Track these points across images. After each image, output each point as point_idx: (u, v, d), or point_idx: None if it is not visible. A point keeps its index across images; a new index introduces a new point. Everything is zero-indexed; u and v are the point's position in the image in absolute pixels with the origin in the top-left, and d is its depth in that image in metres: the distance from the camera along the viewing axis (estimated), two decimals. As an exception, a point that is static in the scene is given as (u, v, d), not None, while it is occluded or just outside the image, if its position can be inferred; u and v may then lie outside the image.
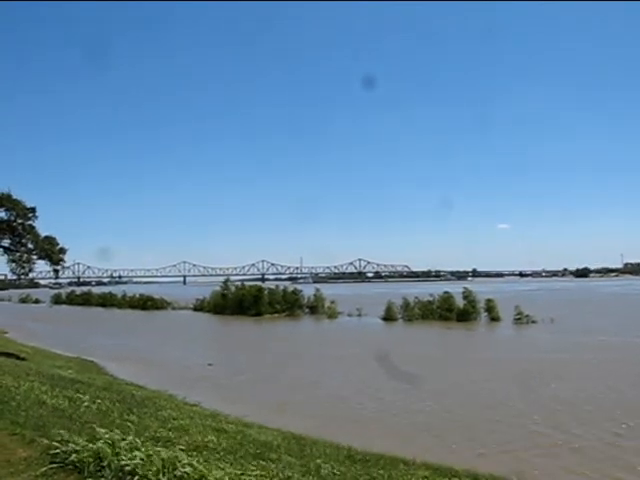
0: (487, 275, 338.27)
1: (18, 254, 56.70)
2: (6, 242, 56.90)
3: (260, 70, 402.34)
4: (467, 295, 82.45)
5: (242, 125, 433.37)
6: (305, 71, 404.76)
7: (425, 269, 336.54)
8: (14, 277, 62.88)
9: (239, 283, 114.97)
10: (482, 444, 21.52)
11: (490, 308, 79.42)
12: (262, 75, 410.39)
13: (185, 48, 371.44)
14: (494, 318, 77.69)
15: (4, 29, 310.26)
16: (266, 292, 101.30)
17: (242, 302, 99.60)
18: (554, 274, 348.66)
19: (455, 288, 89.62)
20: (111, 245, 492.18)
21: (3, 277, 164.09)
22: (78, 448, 7.02)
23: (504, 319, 75.47)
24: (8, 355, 35.18)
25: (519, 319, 73.49)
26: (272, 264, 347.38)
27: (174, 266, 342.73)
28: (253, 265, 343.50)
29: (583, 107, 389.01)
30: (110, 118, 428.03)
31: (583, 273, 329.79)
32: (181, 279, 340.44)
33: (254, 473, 7.34)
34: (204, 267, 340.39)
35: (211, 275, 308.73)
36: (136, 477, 6.24)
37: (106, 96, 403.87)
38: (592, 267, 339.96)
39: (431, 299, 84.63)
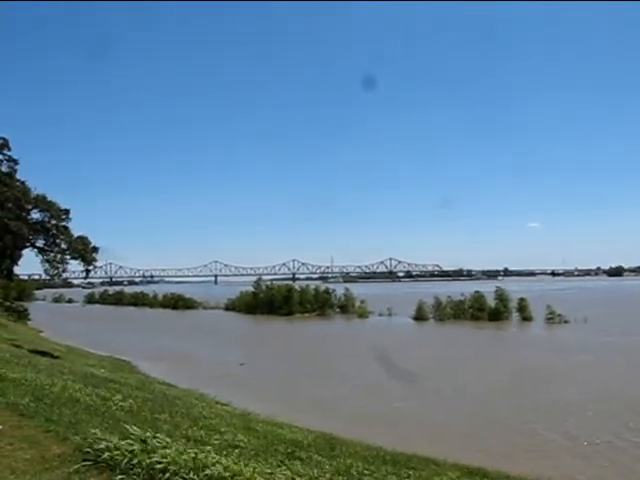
0: (518, 274, 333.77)
1: (52, 254, 57.57)
2: (40, 242, 57.80)
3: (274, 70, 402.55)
4: (500, 294, 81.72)
5: (269, 124, 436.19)
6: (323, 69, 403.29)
7: (456, 268, 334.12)
8: (49, 277, 63.96)
9: (270, 282, 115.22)
10: (515, 446, 21.35)
11: (522, 307, 78.69)
12: (282, 74, 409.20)
13: (200, 49, 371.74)
14: (526, 318, 76.99)
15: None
16: (297, 292, 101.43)
17: (273, 302, 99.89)
18: (587, 273, 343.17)
19: (486, 287, 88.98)
20: (142, 245, 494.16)
21: (38, 277, 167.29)
22: (110, 446, 7.08)
23: (536, 319, 74.68)
24: (43, 353, 35.64)
25: (551, 319, 72.73)
26: (303, 263, 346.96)
27: (205, 266, 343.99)
28: (284, 264, 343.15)
29: (614, 105, 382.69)
30: (142, 116, 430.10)
31: (617, 272, 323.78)
32: (212, 279, 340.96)
33: (284, 472, 7.34)
34: (235, 267, 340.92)
35: (242, 275, 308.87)
36: (167, 475, 6.28)
37: (134, 94, 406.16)
38: (626, 266, 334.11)
39: (462, 298, 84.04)
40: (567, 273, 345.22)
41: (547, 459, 20.06)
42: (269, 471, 7.07)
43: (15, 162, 57.83)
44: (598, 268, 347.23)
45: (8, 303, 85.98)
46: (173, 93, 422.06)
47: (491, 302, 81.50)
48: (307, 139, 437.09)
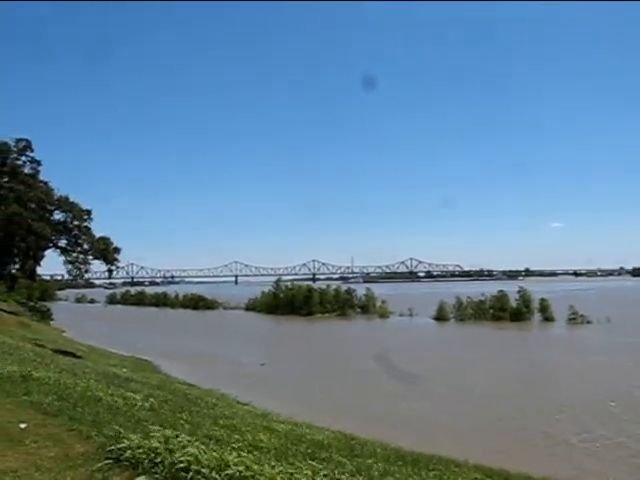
0: (540, 274, 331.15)
1: (74, 254, 58.19)
2: (63, 243, 58.53)
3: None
4: (522, 295, 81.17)
5: (284, 124, 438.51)
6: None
7: (477, 268, 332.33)
8: (71, 277, 64.66)
9: (290, 283, 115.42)
10: (538, 448, 21.23)
11: (544, 308, 78.07)
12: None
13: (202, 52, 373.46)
14: (548, 318, 76.37)
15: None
16: (317, 292, 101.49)
17: (293, 302, 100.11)
18: (610, 273, 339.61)
19: (506, 288, 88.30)
20: (163, 246, 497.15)
21: (60, 277, 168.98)
22: (133, 445, 7.15)
23: (558, 319, 74.08)
24: (66, 353, 35.96)
25: (573, 319, 72.10)
26: (323, 264, 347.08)
27: (226, 266, 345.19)
28: (304, 265, 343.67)
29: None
30: (159, 116, 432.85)
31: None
32: (233, 279, 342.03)
33: (305, 472, 7.36)
34: (255, 267, 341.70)
35: (262, 275, 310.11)
36: (189, 474, 6.32)
37: (147, 93, 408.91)
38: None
39: (483, 299, 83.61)
40: (590, 273, 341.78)
41: (568, 461, 19.94)
42: (290, 471, 7.10)
43: (38, 163, 58.68)
44: (621, 268, 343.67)
45: (31, 303, 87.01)
46: (184, 92, 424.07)
47: (512, 302, 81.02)
48: (323, 139, 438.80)
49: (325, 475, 7.74)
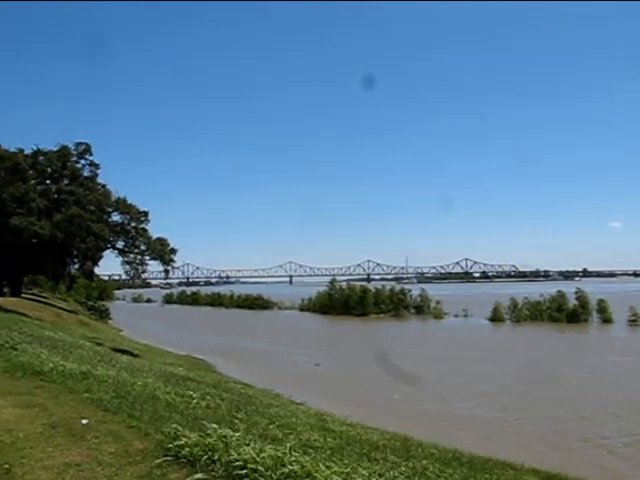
0: (598, 275, 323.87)
1: (132, 255, 59.42)
2: (120, 244, 59.82)
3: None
4: (580, 295, 79.57)
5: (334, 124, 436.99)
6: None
7: (533, 269, 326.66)
8: (128, 277, 66.03)
9: (345, 283, 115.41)
10: (598, 454, 20.80)
11: (602, 309, 76.26)
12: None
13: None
14: (606, 320, 74.56)
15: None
16: (372, 292, 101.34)
17: (348, 302, 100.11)
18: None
19: (563, 288, 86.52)
20: (218, 246, 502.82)
21: (117, 277, 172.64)
22: (190, 442, 7.25)
23: (617, 321, 72.28)
24: (123, 352, 36.64)
25: (634, 320, 70.26)
26: (378, 264, 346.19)
27: (280, 266, 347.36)
28: (359, 265, 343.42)
29: None
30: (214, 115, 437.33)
31: None
32: (287, 279, 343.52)
33: (361, 473, 7.35)
34: (310, 267, 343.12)
35: (317, 275, 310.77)
36: (246, 472, 6.38)
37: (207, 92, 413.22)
38: None
39: (540, 299, 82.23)
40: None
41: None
42: (346, 471, 7.09)
43: (96, 166, 60.14)
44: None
45: (90, 302, 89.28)
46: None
47: (570, 303, 79.46)
48: (381, 140, 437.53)
49: (380, 475, 7.72)
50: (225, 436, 7.61)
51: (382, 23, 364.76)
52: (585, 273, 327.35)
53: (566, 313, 78.21)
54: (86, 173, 59.38)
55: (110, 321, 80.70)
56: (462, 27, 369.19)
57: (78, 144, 59.01)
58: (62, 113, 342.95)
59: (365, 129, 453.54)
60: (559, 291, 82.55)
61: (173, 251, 59.49)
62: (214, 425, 8.49)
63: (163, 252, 58.20)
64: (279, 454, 6.98)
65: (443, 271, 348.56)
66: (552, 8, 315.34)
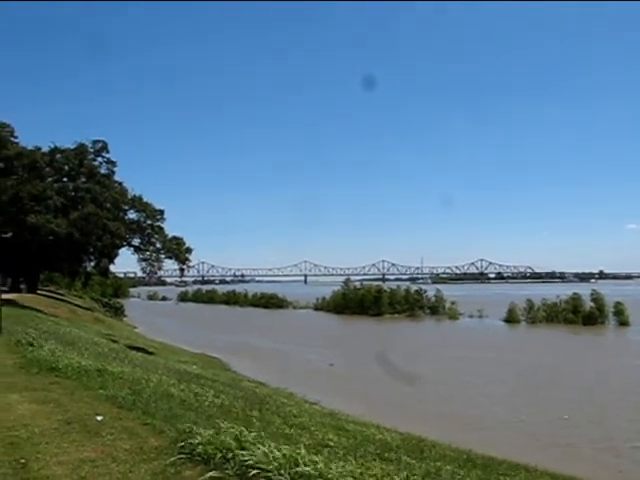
0: (615, 277, 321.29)
1: (147, 253, 59.75)
2: (136, 242, 60.16)
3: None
4: (595, 297, 78.98)
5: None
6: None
7: (549, 270, 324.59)
8: (144, 275, 66.40)
9: (359, 283, 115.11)
10: (614, 459, 20.65)
11: (619, 311, 75.63)
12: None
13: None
14: (623, 322, 73.96)
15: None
16: (387, 292, 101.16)
17: (363, 302, 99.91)
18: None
19: (578, 290, 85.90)
20: (233, 245, 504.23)
21: (133, 275, 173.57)
22: (204, 440, 7.25)
23: (634, 323, 71.65)
24: (138, 349, 36.86)
25: (651, 323, 69.64)
26: (392, 264, 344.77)
27: (295, 265, 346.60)
28: (373, 265, 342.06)
29: None
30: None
31: None
32: (302, 278, 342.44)
33: (374, 472, 7.31)
34: (325, 267, 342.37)
35: (332, 275, 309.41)
36: (259, 471, 6.36)
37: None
38: None
39: (557, 301, 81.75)
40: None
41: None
42: (359, 471, 7.06)
43: (113, 164, 60.44)
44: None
45: (105, 300, 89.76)
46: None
47: (587, 305, 78.92)
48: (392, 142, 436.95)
49: (394, 475, 7.69)
50: (239, 435, 7.61)
51: (382, 23, 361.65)
52: (601, 275, 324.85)
53: (582, 315, 77.60)
54: (103, 171, 59.68)
55: (125, 318, 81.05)
56: (462, 27, 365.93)
57: (95, 142, 59.34)
58: (74, 112, 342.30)
59: (382, 129, 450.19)
60: (575, 293, 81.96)
61: (188, 250, 59.77)
62: (228, 423, 8.50)
63: (178, 251, 58.47)
64: (293, 453, 6.97)
65: (458, 272, 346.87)
66: (555, 8, 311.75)
